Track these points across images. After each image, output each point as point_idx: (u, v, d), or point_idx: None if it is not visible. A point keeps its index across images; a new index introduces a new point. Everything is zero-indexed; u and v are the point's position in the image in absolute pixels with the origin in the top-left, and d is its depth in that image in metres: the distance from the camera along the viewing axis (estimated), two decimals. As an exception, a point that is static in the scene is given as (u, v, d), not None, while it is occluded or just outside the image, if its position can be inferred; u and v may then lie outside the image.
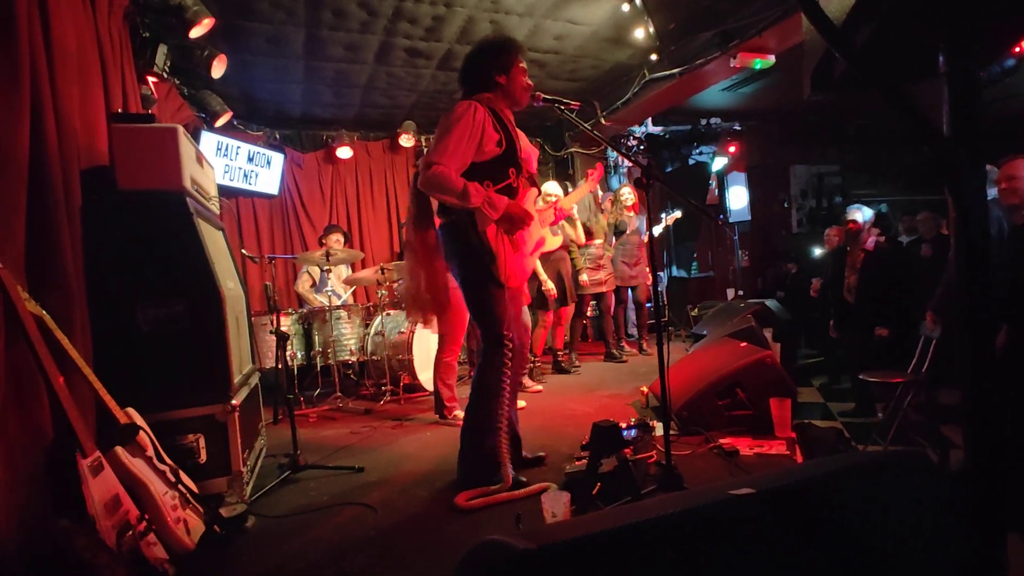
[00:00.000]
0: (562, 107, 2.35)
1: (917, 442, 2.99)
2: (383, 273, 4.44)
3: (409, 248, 2.47)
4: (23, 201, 1.74)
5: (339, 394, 4.32)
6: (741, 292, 6.86)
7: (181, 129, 2.31)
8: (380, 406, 4.14)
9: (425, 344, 4.33)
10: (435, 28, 4.33)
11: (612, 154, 7.24)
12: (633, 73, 5.40)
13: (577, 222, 4.78)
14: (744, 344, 3.21)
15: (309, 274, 5.16)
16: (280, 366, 3.28)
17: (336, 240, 5.02)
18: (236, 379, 2.36)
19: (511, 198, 2.24)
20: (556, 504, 1.81)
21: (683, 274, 8.67)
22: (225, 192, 4.66)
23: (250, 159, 5.56)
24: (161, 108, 3.91)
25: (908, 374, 3.09)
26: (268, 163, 5.75)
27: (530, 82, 2.37)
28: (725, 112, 7.25)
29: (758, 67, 4.61)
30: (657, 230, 5.75)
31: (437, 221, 2.40)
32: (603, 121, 5.95)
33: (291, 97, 5.48)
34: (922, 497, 0.93)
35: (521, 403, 4.21)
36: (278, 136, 6.10)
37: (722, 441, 2.67)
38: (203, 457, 2.20)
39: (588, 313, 5.61)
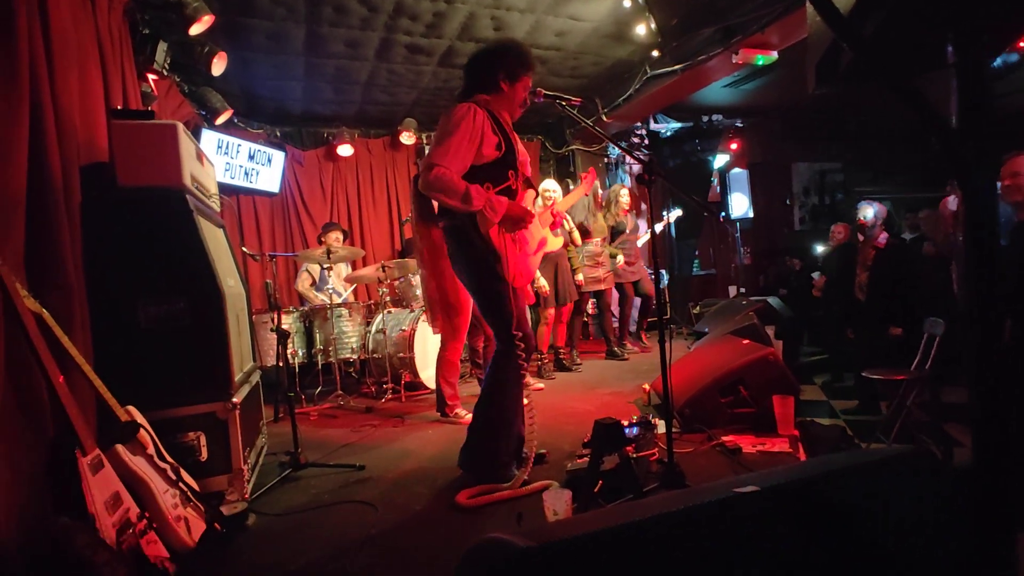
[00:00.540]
0: (563, 103, 2.35)
1: (921, 440, 2.98)
2: (384, 271, 4.42)
3: (416, 251, 2.47)
4: (22, 198, 1.73)
5: (340, 392, 4.32)
6: (743, 289, 6.85)
7: (181, 126, 2.30)
8: (381, 404, 4.13)
9: (426, 342, 4.33)
10: (436, 24, 4.32)
11: (614, 152, 7.23)
12: (635, 69, 5.38)
13: (570, 222, 4.81)
14: (746, 341, 3.20)
15: (309, 272, 5.15)
16: (281, 364, 3.28)
17: (335, 238, 5.01)
18: (237, 377, 2.35)
19: (511, 200, 2.25)
20: (558, 502, 1.80)
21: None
22: (226, 190, 4.67)
23: (251, 157, 5.55)
24: (161, 105, 3.90)
25: (912, 371, 3.08)
26: (269, 161, 5.74)
27: (528, 100, 2.37)
28: (727, 109, 7.21)
29: (760, 63, 4.58)
30: (658, 228, 5.76)
31: (440, 222, 2.40)
32: (604, 118, 5.93)
33: (292, 94, 5.47)
34: (926, 495, 0.92)
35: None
36: (279, 133, 6.10)
37: (724, 439, 2.66)
38: (204, 455, 2.20)
39: (589, 311, 5.60)
